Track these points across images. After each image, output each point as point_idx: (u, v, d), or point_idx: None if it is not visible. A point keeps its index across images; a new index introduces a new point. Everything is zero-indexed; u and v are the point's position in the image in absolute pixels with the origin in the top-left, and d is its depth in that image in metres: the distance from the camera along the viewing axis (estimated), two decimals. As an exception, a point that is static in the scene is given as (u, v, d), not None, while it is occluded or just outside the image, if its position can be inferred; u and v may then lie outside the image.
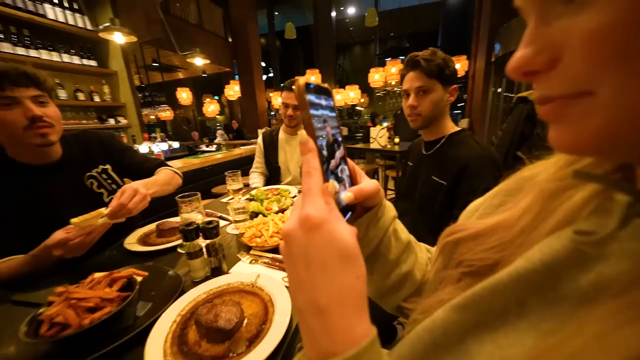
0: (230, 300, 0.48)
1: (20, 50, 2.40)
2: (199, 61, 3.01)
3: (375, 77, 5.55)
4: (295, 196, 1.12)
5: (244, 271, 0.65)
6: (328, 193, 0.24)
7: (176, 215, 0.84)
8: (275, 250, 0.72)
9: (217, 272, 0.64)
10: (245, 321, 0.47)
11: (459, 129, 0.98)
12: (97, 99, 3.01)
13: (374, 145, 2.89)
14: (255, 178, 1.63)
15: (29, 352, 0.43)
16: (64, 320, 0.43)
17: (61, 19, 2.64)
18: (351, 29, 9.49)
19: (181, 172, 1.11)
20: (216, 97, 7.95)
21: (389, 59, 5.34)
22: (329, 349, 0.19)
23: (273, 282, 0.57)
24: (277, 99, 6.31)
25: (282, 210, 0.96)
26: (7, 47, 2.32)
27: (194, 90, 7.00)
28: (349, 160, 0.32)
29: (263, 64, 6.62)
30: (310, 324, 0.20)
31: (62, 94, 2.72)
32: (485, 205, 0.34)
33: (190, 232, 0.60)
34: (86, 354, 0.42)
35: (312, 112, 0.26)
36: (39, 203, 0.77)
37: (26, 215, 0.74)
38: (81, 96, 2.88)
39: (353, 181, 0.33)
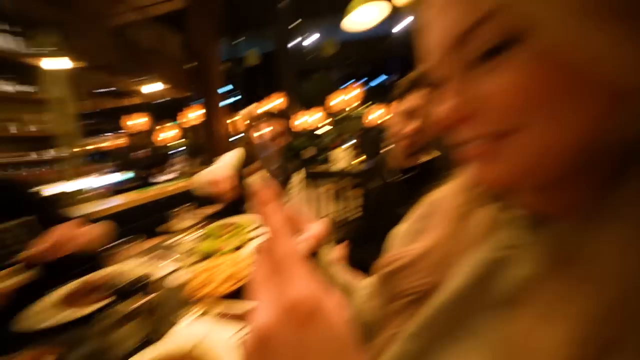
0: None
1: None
2: (156, 86, 2.88)
3: (336, 100, 5.85)
4: (256, 230, 1.04)
5: (187, 333, 0.57)
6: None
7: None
8: (228, 296, 0.66)
9: (154, 336, 0.56)
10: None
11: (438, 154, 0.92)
12: (33, 128, 2.69)
13: (334, 167, 2.95)
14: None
15: None
16: None
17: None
18: (311, 56, 10.03)
19: (125, 207, 0.99)
20: (176, 122, 7.62)
21: (348, 83, 5.76)
22: None
23: (226, 333, 0.51)
24: (240, 124, 6.25)
25: (239, 248, 0.90)
26: None
27: (151, 116, 6.64)
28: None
29: (225, 89, 6.60)
30: None
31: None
32: (409, 231, 0.35)
33: (118, 292, 0.52)
34: None
35: None
36: None
37: None
38: (13, 127, 2.55)
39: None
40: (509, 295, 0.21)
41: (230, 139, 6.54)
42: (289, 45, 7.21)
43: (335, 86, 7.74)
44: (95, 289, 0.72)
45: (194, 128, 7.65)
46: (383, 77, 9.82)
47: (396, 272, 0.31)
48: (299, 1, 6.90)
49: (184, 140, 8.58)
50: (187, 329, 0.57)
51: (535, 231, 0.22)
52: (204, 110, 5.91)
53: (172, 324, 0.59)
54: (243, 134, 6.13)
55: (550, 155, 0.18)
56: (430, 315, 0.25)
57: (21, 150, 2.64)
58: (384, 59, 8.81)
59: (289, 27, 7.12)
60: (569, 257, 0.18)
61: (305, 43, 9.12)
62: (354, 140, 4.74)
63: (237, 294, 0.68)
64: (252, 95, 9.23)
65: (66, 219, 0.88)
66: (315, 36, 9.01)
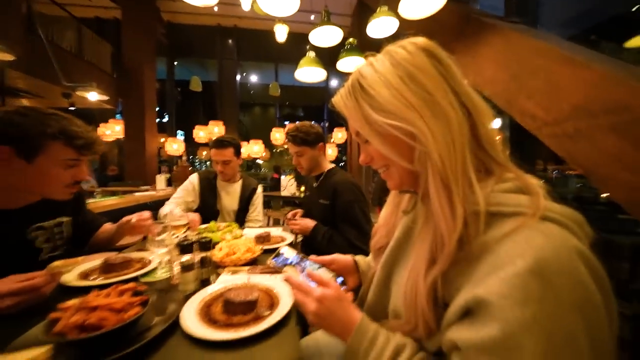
0: (243, 287, 0.63)
1: None
2: (93, 96, 2.65)
3: (277, 135, 6.31)
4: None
5: (230, 280, 0.76)
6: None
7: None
8: (249, 263, 0.87)
9: (206, 283, 0.72)
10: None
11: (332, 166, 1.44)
12: None
13: (284, 192, 3.25)
14: (169, 206, 1.55)
15: None
16: (98, 322, 0.46)
17: None
18: (252, 92, 10.54)
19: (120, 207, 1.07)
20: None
21: (287, 122, 6.34)
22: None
23: (263, 278, 0.73)
24: (171, 146, 5.84)
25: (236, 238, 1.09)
26: None
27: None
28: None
29: (157, 109, 6.18)
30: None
31: None
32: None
33: (187, 246, 0.69)
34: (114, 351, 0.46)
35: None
36: None
37: None
38: None
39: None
40: (414, 235, 0.48)
41: (161, 160, 5.99)
42: (233, 79, 7.51)
43: (275, 122, 8.30)
44: (120, 265, 0.80)
45: (108, 144, 6.60)
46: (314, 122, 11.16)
47: (372, 236, 0.64)
48: (238, 44, 7.52)
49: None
50: (229, 279, 0.76)
51: (420, 202, 0.49)
52: (122, 127, 5.33)
53: (217, 274, 0.77)
54: (182, 157, 5.71)
55: (401, 176, 0.46)
56: (388, 254, 0.52)
57: None
58: (319, 106, 10.11)
59: (232, 63, 7.51)
60: (425, 216, 0.45)
61: (246, 80, 9.65)
62: (293, 172, 5.17)
63: (252, 262, 0.90)
64: (189, 118, 8.81)
65: (94, 216, 1.05)
66: (254, 76, 9.72)
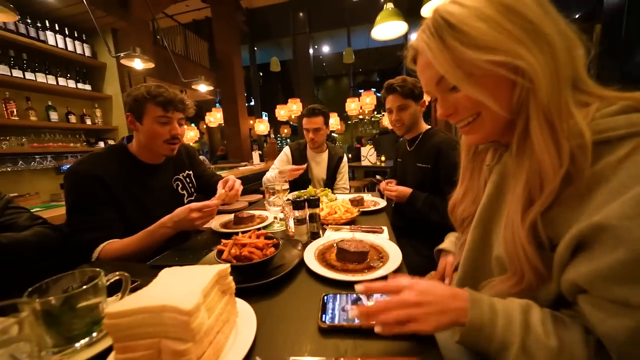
0: (353, 240, 0.67)
1: (17, 73, 2.40)
2: (203, 87, 3.19)
3: (352, 106, 6.16)
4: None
5: (332, 236, 0.83)
6: None
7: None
8: (347, 223, 0.93)
9: (315, 236, 0.82)
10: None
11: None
12: (88, 122, 2.99)
13: (365, 162, 3.23)
14: (271, 173, 1.77)
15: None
16: (248, 255, 0.58)
17: (61, 45, 2.70)
18: (324, 64, 10.46)
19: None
20: (193, 124, 7.98)
21: (362, 90, 6.04)
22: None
23: (366, 236, 0.77)
24: (259, 126, 6.55)
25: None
26: (3, 69, 2.31)
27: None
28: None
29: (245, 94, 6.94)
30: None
31: (54, 116, 2.68)
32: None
33: (299, 203, 0.78)
34: (261, 277, 0.57)
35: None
36: (142, 193, 0.90)
37: (132, 202, 0.87)
38: (72, 119, 2.85)
39: None
40: (507, 186, 0.44)
41: (252, 140, 6.96)
42: (307, 54, 7.60)
43: (348, 93, 8.12)
44: (246, 218, 0.99)
45: (210, 130, 8.01)
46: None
47: (456, 206, 0.58)
48: (309, 15, 7.37)
49: (196, 144, 8.93)
50: (335, 234, 0.83)
51: (507, 153, 0.47)
52: (222, 114, 6.26)
53: (323, 230, 0.86)
54: (268, 136, 6.38)
55: (493, 123, 0.42)
56: (480, 212, 0.49)
57: (76, 142, 2.93)
58: (394, 68, 9.23)
59: (305, 37, 7.53)
60: (517, 161, 0.41)
61: (318, 53, 9.59)
62: (370, 142, 5.04)
63: (351, 222, 0.95)
64: (270, 99, 9.63)
65: (212, 173, 1.27)
66: (325, 47, 9.51)
